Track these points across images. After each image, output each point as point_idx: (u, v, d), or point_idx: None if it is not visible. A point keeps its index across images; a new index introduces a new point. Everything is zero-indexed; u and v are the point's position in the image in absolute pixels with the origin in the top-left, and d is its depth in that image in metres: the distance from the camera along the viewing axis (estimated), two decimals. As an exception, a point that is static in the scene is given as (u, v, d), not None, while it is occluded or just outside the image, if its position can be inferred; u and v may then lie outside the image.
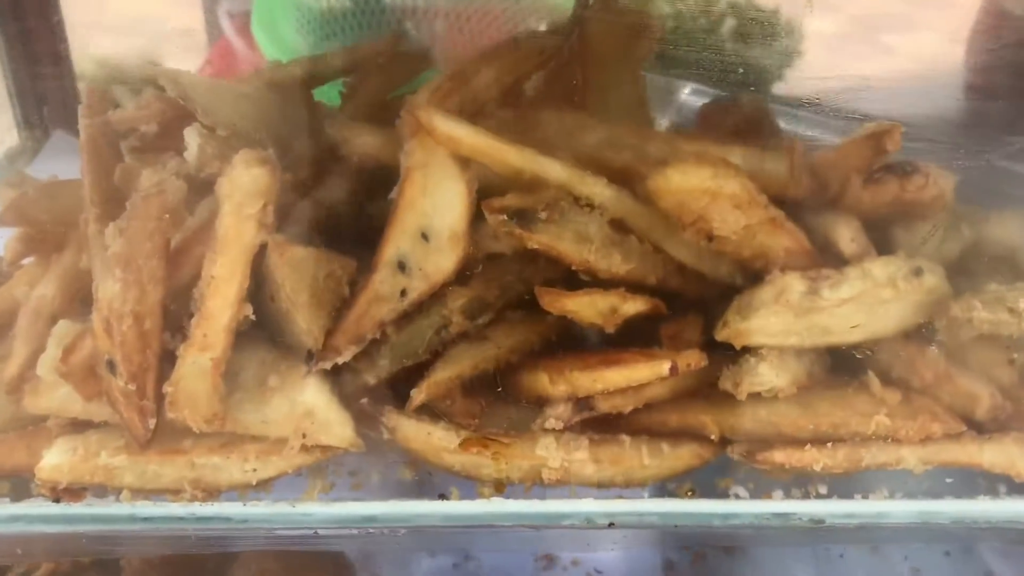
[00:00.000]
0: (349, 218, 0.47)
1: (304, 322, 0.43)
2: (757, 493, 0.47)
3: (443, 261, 0.44)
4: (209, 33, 1.11)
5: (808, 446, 0.45)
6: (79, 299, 0.52)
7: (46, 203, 0.55)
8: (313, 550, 0.66)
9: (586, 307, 0.43)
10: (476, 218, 0.44)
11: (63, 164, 0.66)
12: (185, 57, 1.13)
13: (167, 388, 0.44)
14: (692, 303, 0.47)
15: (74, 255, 0.54)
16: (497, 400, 0.48)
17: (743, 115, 0.52)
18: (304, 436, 0.45)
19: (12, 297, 0.57)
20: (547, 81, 0.51)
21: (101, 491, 0.47)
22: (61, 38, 0.85)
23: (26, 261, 0.57)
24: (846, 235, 0.43)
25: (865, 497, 0.46)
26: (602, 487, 0.47)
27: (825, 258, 0.44)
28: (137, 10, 1.01)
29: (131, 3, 1.02)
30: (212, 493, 0.47)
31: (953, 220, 0.49)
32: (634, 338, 0.46)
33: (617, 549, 0.82)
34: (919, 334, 0.46)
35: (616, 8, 0.51)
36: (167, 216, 0.43)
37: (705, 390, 0.47)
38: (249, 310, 0.43)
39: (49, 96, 0.86)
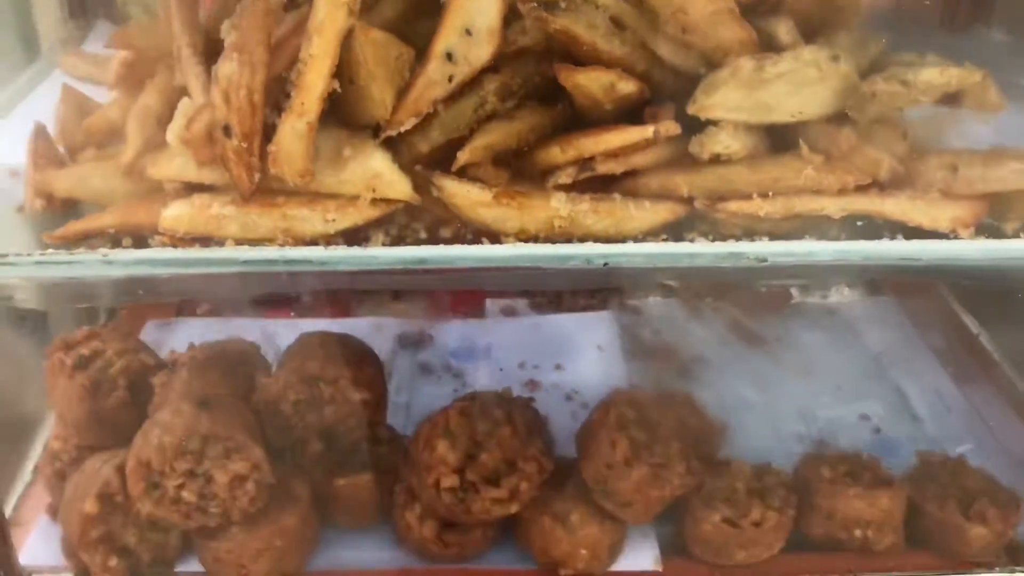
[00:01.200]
0: (405, 25, 0.60)
1: (378, 94, 0.57)
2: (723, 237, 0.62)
3: (482, 52, 0.57)
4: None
5: (754, 196, 0.60)
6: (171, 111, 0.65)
7: (144, 35, 0.68)
8: (356, 347, 0.80)
9: (592, 81, 0.57)
10: (507, 20, 0.58)
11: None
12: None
13: (271, 148, 0.57)
14: (668, 95, 0.61)
15: (167, 76, 0.66)
16: (517, 175, 0.63)
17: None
18: (373, 191, 0.59)
19: (107, 118, 0.69)
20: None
21: (208, 242, 0.60)
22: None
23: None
24: (783, 29, 0.58)
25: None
26: (598, 240, 0.62)
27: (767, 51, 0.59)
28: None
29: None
30: (299, 241, 0.60)
31: (861, 38, 0.65)
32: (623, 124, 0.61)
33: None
34: (837, 117, 0.61)
35: None
36: (270, 14, 0.57)
37: (677, 160, 0.61)
38: (336, 84, 0.56)
39: (90, -11, 0.97)
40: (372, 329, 1.02)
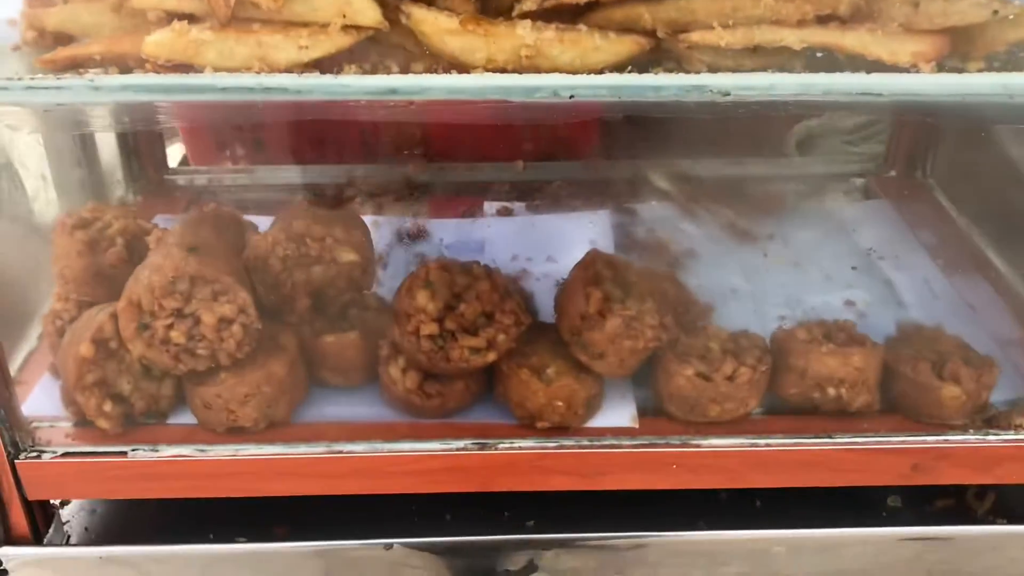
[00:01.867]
0: None
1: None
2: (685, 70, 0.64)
3: None
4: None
5: (715, 26, 0.62)
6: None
7: None
8: (344, 212, 0.83)
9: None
10: None
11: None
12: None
13: (245, -27, 0.60)
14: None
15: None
16: (485, 7, 0.65)
17: None
18: (344, 17, 0.61)
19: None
20: None
21: (188, 70, 0.63)
22: None
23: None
24: None
25: (758, 75, 0.63)
26: (564, 72, 0.64)
27: None
28: None
29: None
30: (275, 69, 0.63)
31: None
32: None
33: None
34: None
35: None
36: None
37: (642, -5, 0.63)
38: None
39: None
40: (372, 226, 1.05)
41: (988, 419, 0.79)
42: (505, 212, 1.10)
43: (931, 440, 0.78)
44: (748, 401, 0.77)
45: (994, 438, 0.78)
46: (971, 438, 0.78)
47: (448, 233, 1.06)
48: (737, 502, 0.85)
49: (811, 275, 0.98)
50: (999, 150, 0.99)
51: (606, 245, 1.02)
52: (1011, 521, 0.83)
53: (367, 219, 1.05)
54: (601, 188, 1.13)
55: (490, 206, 1.11)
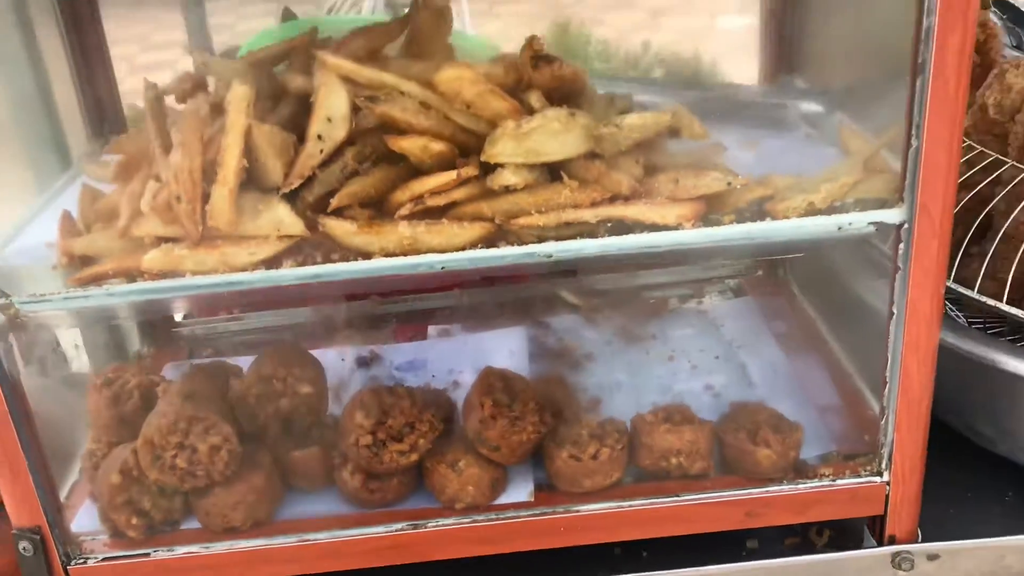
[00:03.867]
0: (291, 121, 0.91)
1: (272, 167, 0.87)
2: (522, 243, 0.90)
3: (340, 132, 0.87)
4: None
5: (534, 213, 0.89)
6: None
7: (131, 142, 1.00)
8: (301, 354, 1.09)
9: (411, 145, 0.86)
10: (355, 108, 0.88)
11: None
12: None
13: (208, 208, 0.87)
14: (471, 148, 0.90)
15: (147, 169, 0.98)
16: (376, 211, 0.92)
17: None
18: (278, 231, 0.89)
19: (110, 201, 1.00)
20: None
21: (174, 276, 0.90)
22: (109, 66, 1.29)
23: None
24: (533, 98, 0.87)
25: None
26: (436, 252, 0.90)
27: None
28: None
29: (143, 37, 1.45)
30: (233, 270, 0.90)
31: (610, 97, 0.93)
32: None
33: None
34: (589, 153, 0.89)
35: (430, 6, 0.95)
36: (201, 121, 0.88)
37: (482, 193, 0.90)
38: (244, 162, 0.86)
39: (107, 113, 1.31)
40: (336, 356, 1.31)
41: (800, 471, 1.02)
42: (445, 334, 1.36)
43: (757, 492, 1.01)
44: (612, 473, 1.01)
45: (804, 486, 1.01)
46: (787, 488, 1.01)
47: (399, 356, 1.32)
48: (629, 555, 1.09)
49: (682, 366, 1.23)
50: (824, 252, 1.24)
51: (522, 354, 1.27)
52: (842, 549, 1.06)
53: (332, 351, 1.32)
54: (521, 306, 1.39)
55: (433, 329, 1.37)
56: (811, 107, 1.14)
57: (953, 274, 1.11)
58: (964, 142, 1.10)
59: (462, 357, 1.30)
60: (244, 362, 1.25)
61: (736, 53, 1.24)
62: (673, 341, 1.28)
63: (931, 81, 0.82)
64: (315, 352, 1.14)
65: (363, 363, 1.31)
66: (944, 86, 0.82)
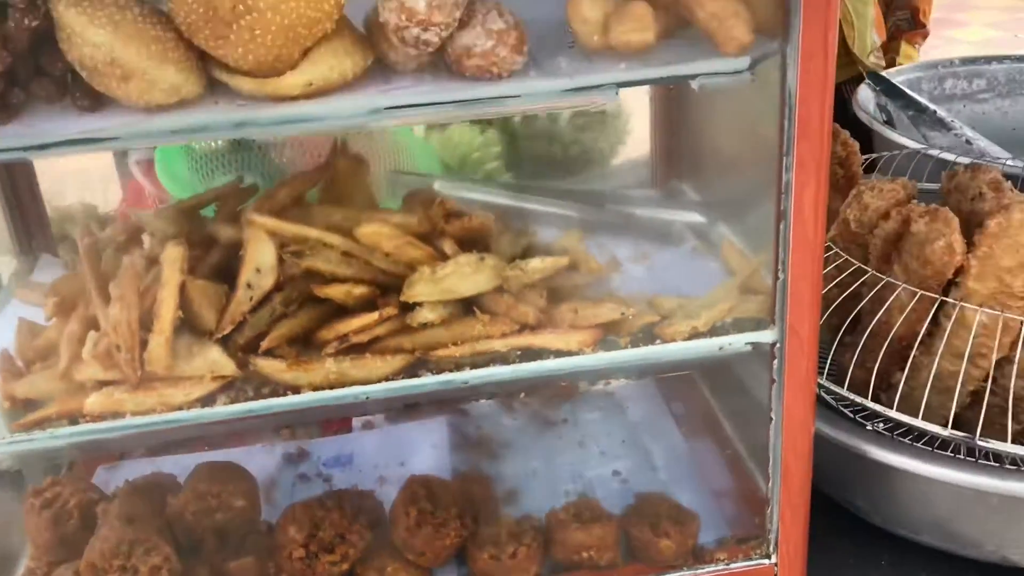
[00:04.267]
0: (222, 268, 0.98)
1: (206, 315, 0.94)
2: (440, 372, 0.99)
3: (268, 281, 0.95)
4: (123, 178, 1.62)
5: (450, 345, 0.98)
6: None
7: (67, 284, 1.05)
8: (233, 469, 1.15)
9: (335, 291, 0.95)
10: (281, 259, 0.96)
11: (50, 277, 1.17)
12: (107, 197, 1.63)
13: (146, 355, 0.94)
14: (392, 289, 0.99)
15: (84, 309, 1.04)
16: (305, 348, 1.00)
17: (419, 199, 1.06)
18: (212, 372, 0.96)
19: (48, 339, 1.06)
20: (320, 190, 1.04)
21: (115, 417, 0.96)
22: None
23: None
24: (447, 246, 0.97)
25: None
26: (360, 384, 0.98)
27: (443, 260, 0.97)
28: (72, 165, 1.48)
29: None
30: (171, 409, 0.96)
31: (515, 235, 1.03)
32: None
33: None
34: (498, 289, 0.99)
35: (347, 155, 1.04)
36: (138, 275, 0.94)
37: (402, 329, 0.99)
38: (179, 313, 0.93)
39: (35, 231, 1.35)
40: (265, 452, 1.38)
41: (698, 557, 1.13)
42: (369, 426, 1.44)
43: (661, 577, 1.12)
44: (530, 569, 1.10)
45: (703, 570, 1.12)
46: (687, 573, 1.12)
47: (325, 451, 1.39)
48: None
49: (591, 451, 1.33)
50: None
51: (443, 447, 1.36)
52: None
53: (260, 447, 1.38)
54: (441, 396, 1.48)
55: (357, 422, 1.45)
56: (697, 218, 1.26)
57: (831, 356, 1.25)
58: (832, 249, 1.24)
59: (387, 451, 1.37)
60: (175, 462, 1.31)
61: (628, 165, 1.36)
62: (583, 425, 1.39)
63: (792, 226, 0.94)
64: (244, 448, 1.20)
65: (291, 460, 1.37)
66: (803, 229, 0.95)
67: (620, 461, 1.31)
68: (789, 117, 0.90)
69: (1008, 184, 1.16)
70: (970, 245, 1.09)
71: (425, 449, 1.36)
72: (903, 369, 1.18)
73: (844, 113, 2.02)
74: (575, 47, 0.93)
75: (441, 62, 0.90)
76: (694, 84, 0.90)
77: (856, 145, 1.33)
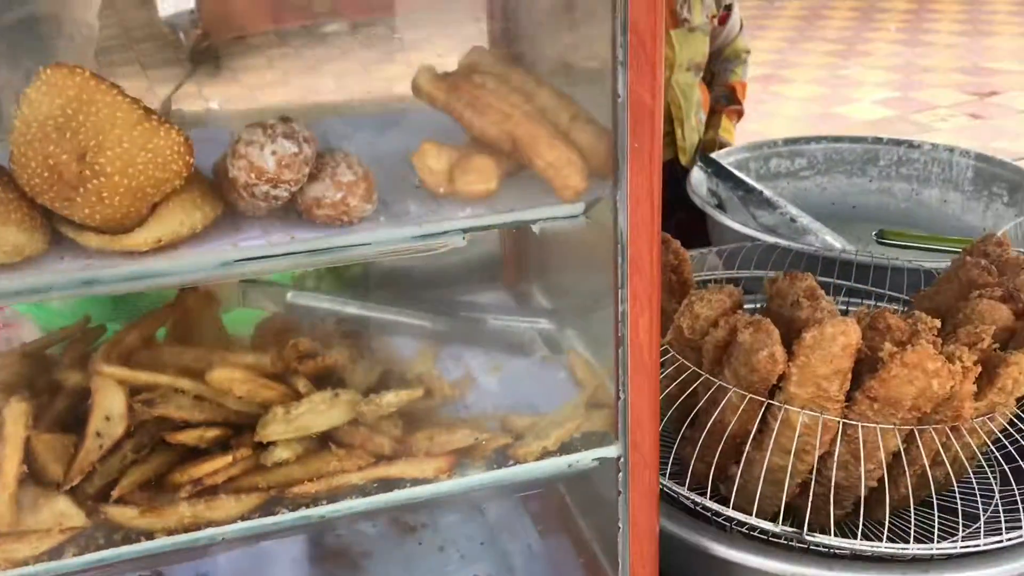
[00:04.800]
0: (69, 414, 0.96)
1: (53, 469, 0.92)
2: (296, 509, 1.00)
3: (118, 429, 0.94)
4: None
5: (306, 482, 0.99)
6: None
7: None
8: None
9: (188, 436, 0.95)
10: (131, 407, 0.95)
11: None
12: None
13: (-13, 513, 0.91)
14: (247, 428, 1.00)
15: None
16: (159, 492, 0.99)
17: (272, 329, 1.07)
18: (61, 523, 0.93)
19: None
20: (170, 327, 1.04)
21: (-46, 576, 0.92)
22: None
23: None
24: (300, 384, 0.98)
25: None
26: (213, 525, 0.98)
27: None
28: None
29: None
30: (17, 564, 0.93)
31: (370, 366, 1.06)
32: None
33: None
34: (353, 421, 1.01)
35: (197, 291, 1.04)
36: (-23, 431, 0.92)
37: (257, 468, 0.99)
38: (23, 468, 0.91)
39: None
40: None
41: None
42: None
43: None
44: None
45: (561, 674, 1.16)
46: (546, 676, 1.16)
47: (180, 572, 1.36)
48: None
49: (451, 556, 1.36)
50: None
51: (302, 558, 1.36)
52: None
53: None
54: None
55: (214, 536, 1.43)
56: (547, 325, 1.32)
57: (674, 450, 1.32)
58: (669, 353, 1.32)
59: (245, 568, 1.36)
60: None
61: (480, 272, 1.41)
62: (443, 530, 1.41)
63: (630, 351, 1.01)
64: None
65: (146, 583, 1.34)
66: (640, 354, 1.01)
67: (479, 564, 1.34)
68: (622, 255, 0.97)
69: (821, 292, 1.27)
70: (791, 351, 1.19)
71: (284, 563, 1.36)
72: (739, 463, 1.27)
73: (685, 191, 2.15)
74: (424, 187, 0.97)
75: (292, 207, 0.92)
76: (535, 228, 0.96)
77: (686, 253, 1.42)
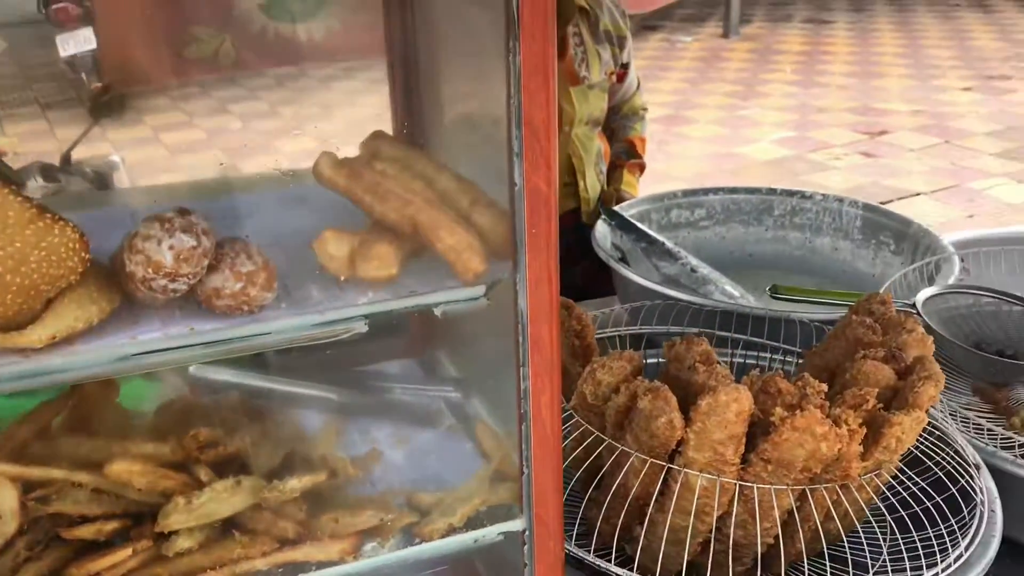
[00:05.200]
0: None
1: (-59, 571, 0.89)
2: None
3: (10, 527, 0.92)
4: None
5: (208, 571, 0.98)
6: None
7: None
8: None
9: (86, 531, 0.93)
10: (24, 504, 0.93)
11: None
12: None
13: None
14: (149, 517, 0.98)
15: None
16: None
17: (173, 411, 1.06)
18: (-51, 628, 0.90)
19: None
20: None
21: None
22: None
23: None
24: (202, 473, 0.98)
25: (247, 587, 1.00)
26: (121, 616, 0.96)
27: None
28: None
29: None
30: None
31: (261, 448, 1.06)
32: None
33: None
34: (257, 506, 1.01)
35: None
36: None
37: (157, 559, 0.98)
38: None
39: None
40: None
41: None
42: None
43: None
44: None
45: None
46: None
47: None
48: None
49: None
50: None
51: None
52: None
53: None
54: None
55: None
56: (453, 395, 1.33)
57: (581, 512, 1.35)
58: (574, 417, 1.35)
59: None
60: None
61: (388, 340, 1.42)
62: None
63: (532, 426, 1.03)
64: None
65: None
66: (542, 429, 1.04)
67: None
68: (523, 334, 1.00)
69: (715, 356, 1.32)
70: (689, 416, 1.23)
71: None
72: (643, 524, 1.30)
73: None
74: (326, 272, 0.99)
75: (192, 297, 0.92)
76: (437, 311, 0.98)
77: (589, 317, 1.46)
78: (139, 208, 0.94)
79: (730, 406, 1.17)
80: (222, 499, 0.97)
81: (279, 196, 1.21)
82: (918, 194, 6.03)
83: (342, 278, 0.95)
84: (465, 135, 1.15)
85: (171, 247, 0.85)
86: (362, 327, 0.94)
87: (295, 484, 0.99)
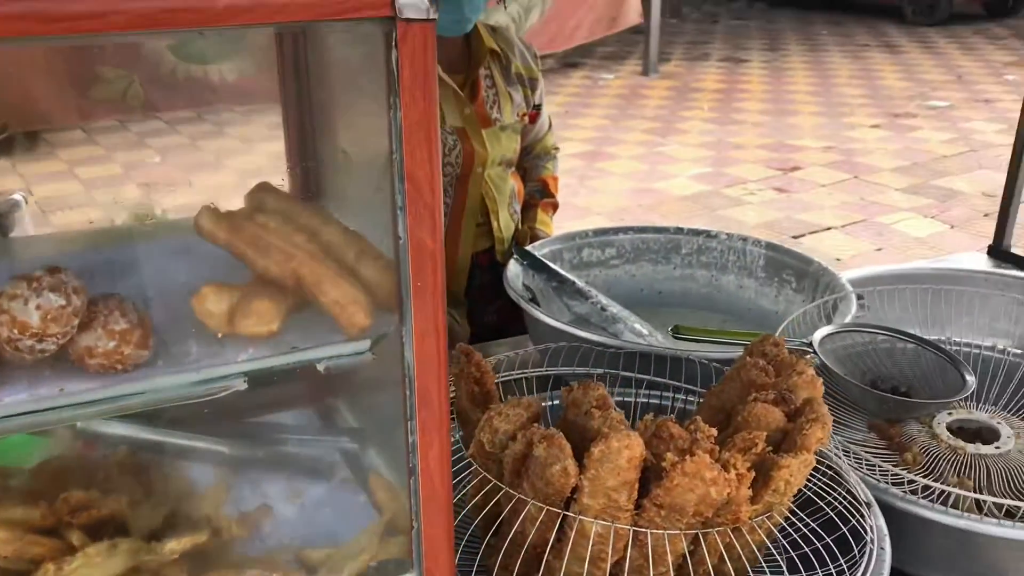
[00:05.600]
0: None
1: None
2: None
3: None
4: None
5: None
6: None
7: None
8: None
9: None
10: None
11: None
12: None
13: None
14: None
15: None
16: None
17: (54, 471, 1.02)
18: None
19: None
20: None
21: None
22: None
23: None
24: (74, 536, 0.95)
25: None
26: None
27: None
28: None
29: None
30: None
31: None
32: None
33: None
34: (135, 568, 0.98)
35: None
36: None
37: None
38: None
39: None
40: None
41: None
42: None
43: None
44: None
45: None
46: None
47: None
48: None
49: None
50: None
51: None
52: None
53: None
54: None
55: None
56: (349, 445, 1.32)
57: (479, 559, 1.34)
58: (473, 465, 1.35)
59: None
60: None
61: (282, 387, 1.40)
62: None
63: (421, 480, 1.03)
64: None
65: None
66: (431, 483, 1.03)
67: None
68: (410, 387, 0.99)
69: (612, 402, 1.33)
70: (584, 463, 1.24)
71: None
72: (539, 570, 1.30)
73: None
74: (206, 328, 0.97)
75: (64, 355, 0.90)
76: (320, 367, 0.97)
77: (488, 365, 1.46)
78: (15, 263, 0.92)
79: (622, 452, 1.18)
80: (95, 564, 0.94)
81: (170, 246, 1.19)
82: (829, 228, 6.21)
83: (220, 334, 0.93)
84: (357, 186, 1.15)
85: (38, 307, 0.82)
86: (241, 385, 0.92)
87: (174, 546, 0.97)
